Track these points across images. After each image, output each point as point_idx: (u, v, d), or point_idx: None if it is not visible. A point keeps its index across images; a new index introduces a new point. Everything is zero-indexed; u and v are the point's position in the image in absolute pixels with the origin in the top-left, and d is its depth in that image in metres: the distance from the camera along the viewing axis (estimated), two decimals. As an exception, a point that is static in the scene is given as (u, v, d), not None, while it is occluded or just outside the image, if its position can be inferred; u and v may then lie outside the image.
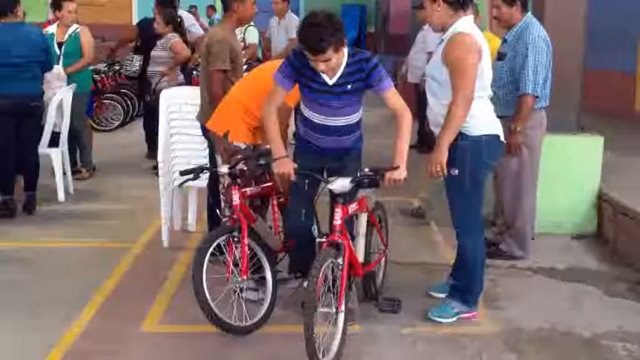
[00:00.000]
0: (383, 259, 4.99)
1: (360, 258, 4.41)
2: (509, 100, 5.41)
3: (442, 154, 4.34)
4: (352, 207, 4.25)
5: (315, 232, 4.37)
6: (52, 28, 8.19)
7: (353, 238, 4.37)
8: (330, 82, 4.18)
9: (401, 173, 4.05)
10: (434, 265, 5.57)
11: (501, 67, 5.47)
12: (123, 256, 5.68)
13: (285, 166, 4.18)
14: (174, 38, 8.19)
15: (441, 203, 4.99)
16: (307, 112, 4.40)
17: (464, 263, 4.65)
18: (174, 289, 5.04)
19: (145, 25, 9.15)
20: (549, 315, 4.74)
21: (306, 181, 4.35)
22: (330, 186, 4.04)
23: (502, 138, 4.59)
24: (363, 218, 4.48)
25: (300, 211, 4.43)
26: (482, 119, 4.44)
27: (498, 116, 5.22)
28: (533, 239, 5.86)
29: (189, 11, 14.33)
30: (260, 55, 11.40)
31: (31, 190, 6.79)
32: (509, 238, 5.73)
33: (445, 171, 4.36)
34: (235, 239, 4.31)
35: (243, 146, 4.80)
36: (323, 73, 4.12)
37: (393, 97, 4.24)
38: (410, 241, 6.16)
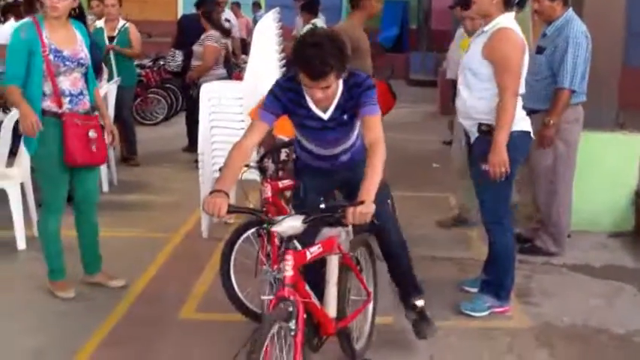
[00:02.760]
0: (369, 307, 4.15)
1: (332, 312, 3.63)
2: (547, 93, 5.40)
3: (502, 154, 4.33)
4: (312, 251, 3.45)
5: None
6: (99, 23, 8.47)
7: (317, 290, 3.60)
8: (325, 116, 3.67)
9: (367, 207, 3.18)
10: (467, 260, 5.60)
11: (540, 61, 5.45)
12: (163, 246, 5.84)
13: (213, 204, 3.23)
14: (208, 40, 8.33)
15: (475, 200, 5.00)
16: (302, 142, 3.95)
17: (495, 258, 4.69)
18: (211, 278, 5.15)
19: (186, 21, 9.33)
20: (582, 312, 4.76)
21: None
22: (276, 227, 3.20)
23: (532, 134, 4.60)
24: (334, 262, 3.67)
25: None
26: (516, 116, 4.44)
27: (535, 110, 5.24)
28: (569, 236, 5.85)
29: (231, 9, 14.45)
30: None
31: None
32: (544, 235, 5.73)
33: (509, 168, 4.36)
34: (265, 231, 4.33)
35: (286, 139, 4.87)
36: (318, 103, 3.58)
37: (375, 126, 3.57)
38: (444, 235, 6.21)
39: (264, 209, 4.36)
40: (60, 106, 4.59)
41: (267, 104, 3.63)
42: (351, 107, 3.63)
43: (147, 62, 11.17)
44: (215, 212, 3.20)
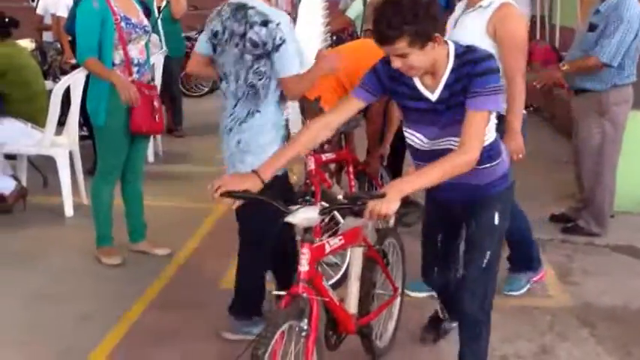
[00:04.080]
0: (395, 302, 3.90)
1: (352, 309, 3.38)
2: (598, 73, 5.31)
3: (519, 139, 4.20)
4: (332, 244, 3.17)
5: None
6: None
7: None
8: (433, 97, 2.99)
9: (388, 204, 2.68)
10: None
11: (592, 39, 5.35)
12: (207, 216, 5.93)
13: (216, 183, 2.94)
14: None
15: (515, 173, 4.89)
16: (408, 140, 3.21)
17: (512, 235, 4.37)
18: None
19: None
20: (624, 292, 4.71)
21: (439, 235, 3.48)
22: (290, 218, 2.89)
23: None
24: (357, 255, 3.42)
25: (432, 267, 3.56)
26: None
27: (584, 89, 5.17)
28: (612, 217, 5.79)
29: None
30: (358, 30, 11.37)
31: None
32: (587, 215, 5.68)
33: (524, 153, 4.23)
34: (308, 204, 4.22)
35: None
36: (409, 73, 2.92)
37: (473, 125, 2.86)
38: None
39: (307, 181, 4.38)
40: (130, 75, 4.66)
41: (365, 80, 3.08)
42: (460, 90, 2.91)
43: (193, 34, 11.24)
44: (209, 193, 2.89)
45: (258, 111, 3.71)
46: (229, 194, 2.89)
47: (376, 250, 3.58)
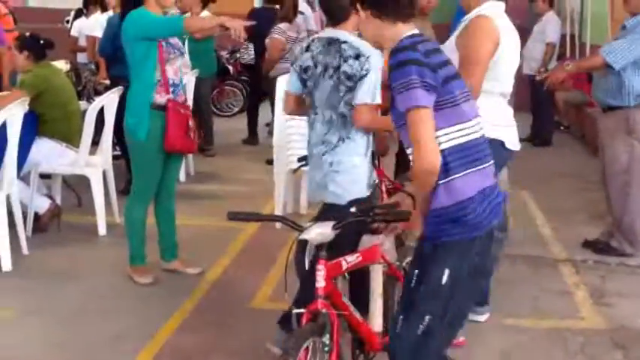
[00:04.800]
0: None
1: (377, 326, 3.37)
2: (620, 89, 5.21)
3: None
4: (349, 260, 3.17)
5: None
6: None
7: (358, 304, 3.35)
8: None
9: (409, 226, 2.84)
10: (541, 259, 5.56)
11: None
12: (237, 236, 5.95)
13: None
14: (274, 33, 8.19)
15: (545, 192, 4.82)
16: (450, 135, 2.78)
17: None
18: (283, 268, 5.22)
19: (257, 14, 9.40)
20: (659, 314, 4.66)
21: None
22: (304, 235, 2.98)
23: (509, 145, 4.06)
24: (377, 272, 3.40)
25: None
26: (487, 120, 3.43)
27: (611, 106, 5.14)
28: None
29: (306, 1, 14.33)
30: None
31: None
32: (619, 235, 5.61)
33: None
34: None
35: None
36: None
37: (410, 127, 2.73)
38: (517, 233, 6.13)
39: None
40: (167, 94, 4.74)
41: (428, 81, 2.66)
42: None
43: (224, 54, 11.36)
44: None
45: (348, 137, 3.84)
46: (236, 216, 3.05)
47: (396, 267, 3.60)
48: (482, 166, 2.82)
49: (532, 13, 10.47)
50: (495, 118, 3.95)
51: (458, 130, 2.75)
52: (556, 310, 4.72)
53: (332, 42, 3.82)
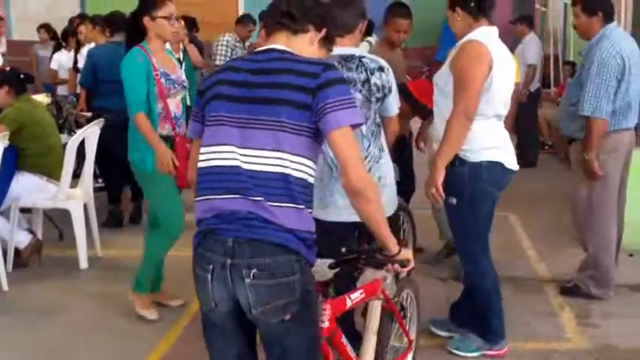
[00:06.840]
0: (409, 356, 3.78)
1: None
2: (580, 120, 4.87)
3: (438, 177, 3.89)
4: (353, 297, 3.17)
5: None
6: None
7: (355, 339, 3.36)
8: None
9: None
10: (528, 281, 5.54)
11: (573, 84, 5.07)
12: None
13: None
14: None
15: (530, 213, 4.82)
16: None
17: (474, 293, 4.28)
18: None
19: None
20: (645, 334, 4.64)
21: None
22: None
23: (509, 166, 4.08)
24: (375, 308, 3.34)
25: None
26: (485, 142, 3.97)
27: (572, 138, 5.00)
28: (631, 255, 5.73)
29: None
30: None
31: (137, 201, 7.09)
32: (585, 274, 5.20)
33: (443, 195, 3.91)
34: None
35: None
36: None
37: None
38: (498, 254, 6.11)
39: None
40: (173, 128, 4.74)
41: None
42: None
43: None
44: None
45: (383, 148, 4.01)
46: None
47: (394, 302, 3.49)
48: None
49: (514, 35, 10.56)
50: (492, 140, 4.01)
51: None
52: (542, 332, 4.69)
53: (348, 58, 3.87)
